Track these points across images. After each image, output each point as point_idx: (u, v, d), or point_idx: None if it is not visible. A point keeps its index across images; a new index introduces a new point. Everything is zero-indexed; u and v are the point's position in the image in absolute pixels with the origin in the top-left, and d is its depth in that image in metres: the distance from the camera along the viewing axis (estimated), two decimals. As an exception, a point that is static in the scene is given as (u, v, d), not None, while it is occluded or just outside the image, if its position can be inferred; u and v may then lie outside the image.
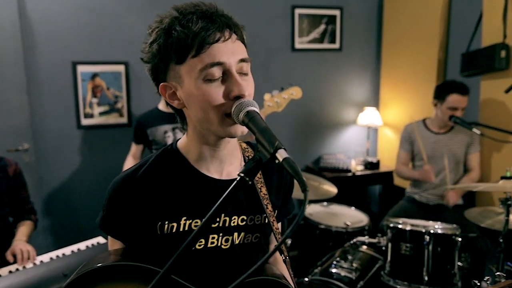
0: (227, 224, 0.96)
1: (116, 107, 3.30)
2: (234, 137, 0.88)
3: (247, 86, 0.86)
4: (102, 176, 3.22)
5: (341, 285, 2.09)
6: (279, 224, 1.11)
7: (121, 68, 3.26)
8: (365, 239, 2.28)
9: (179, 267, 0.90)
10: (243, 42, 0.89)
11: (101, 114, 3.28)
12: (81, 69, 3.16)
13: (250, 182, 0.73)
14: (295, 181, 0.72)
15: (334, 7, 3.76)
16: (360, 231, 2.63)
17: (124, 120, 3.32)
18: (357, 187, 3.86)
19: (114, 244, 0.97)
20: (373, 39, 3.96)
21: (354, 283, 2.14)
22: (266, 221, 1.01)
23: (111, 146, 3.30)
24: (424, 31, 3.40)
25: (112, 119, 3.30)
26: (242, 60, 0.86)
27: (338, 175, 3.53)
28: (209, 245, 0.94)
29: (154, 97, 2.75)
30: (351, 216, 2.86)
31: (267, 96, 2.42)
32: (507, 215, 1.89)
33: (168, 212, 0.92)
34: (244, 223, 0.98)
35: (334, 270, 2.23)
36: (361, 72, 3.96)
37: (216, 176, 0.96)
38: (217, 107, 0.83)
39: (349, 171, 3.61)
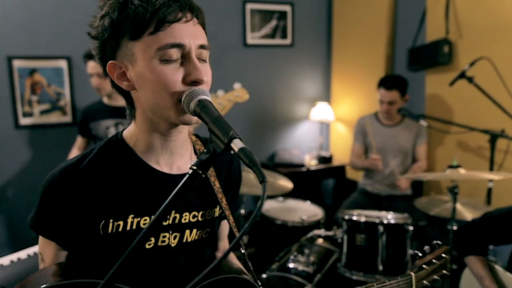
0: (177, 221, 0.90)
1: (58, 105, 3.09)
2: (189, 124, 0.82)
3: (206, 73, 0.81)
4: (43, 179, 3.01)
5: (299, 279, 2.09)
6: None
7: (63, 63, 3.06)
8: (321, 232, 2.29)
9: (127, 269, 0.83)
10: (204, 28, 0.84)
11: (42, 112, 3.06)
12: (17, 64, 2.93)
13: (203, 176, 0.68)
14: (253, 174, 0.68)
15: (285, 3, 3.76)
16: (315, 225, 2.64)
17: (67, 119, 3.12)
18: (312, 182, 3.90)
19: (46, 246, 0.87)
20: (323, 35, 4.01)
21: (312, 276, 2.14)
22: (217, 215, 0.97)
23: (54, 147, 3.09)
24: (372, 28, 3.49)
25: (54, 118, 3.09)
26: (202, 47, 0.81)
27: (293, 170, 3.54)
28: (159, 243, 0.88)
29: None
30: (306, 211, 2.87)
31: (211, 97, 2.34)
32: (454, 203, 1.97)
33: (113, 210, 0.84)
34: (195, 219, 0.93)
35: (291, 265, 2.23)
36: (313, 68, 4.00)
37: (166, 170, 0.89)
38: (172, 91, 0.77)
39: (304, 166, 3.64)
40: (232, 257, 1.11)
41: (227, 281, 0.90)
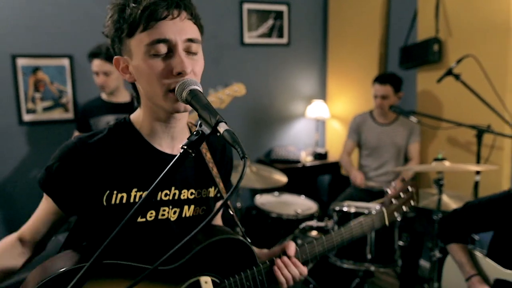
0: (176, 197, 0.99)
1: (60, 102, 3.19)
2: (178, 112, 0.91)
3: (194, 64, 0.89)
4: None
5: (292, 268, 2.17)
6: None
7: (65, 61, 3.15)
8: (314, 223, 2.38)
9: (126, 241, 0.92)
10: (195, 22, 0.92)
11: (45, 109, 3.15)
12: (21, 62, 3.02)
13: (193, 154, 0.76)
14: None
15: (281, 3, 3.85)
16: (309, 218, 2.73)
17: (69, 115, 3.21)
18: (307, 178, 3.99)
19: (46, 208, 0.97)
20: (319, 34, 4.10)
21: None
22: (212, 195, 1.06)
23: (56, 142, 3.13)
24: (366, 27, 3.58)
25: (57, 114, 3.18)
26: (190, 40, 0.89)
27: (289, 166, 3.63)
28: (159, 217, 0.97)
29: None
30: (301, 205, 2.96)
31: (210, 91, 2.44)
32: (440, 194, 2.06)
33: (118, 182, 0.94)
34: (193, 196, 1.02)
35: (285, 255, 2.31)
36: (309, 66, 4.09)
37: (168, 151, 0.99)
38: (161, 82, 0.86)
39: (299, 162, 3.73)
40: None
41: (220, 242, 1.00)
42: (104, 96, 2.72)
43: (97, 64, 2.54)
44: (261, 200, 3.02)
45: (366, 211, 2.14)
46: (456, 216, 1.75)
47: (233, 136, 0.71)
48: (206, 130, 0.75)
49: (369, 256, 2.13)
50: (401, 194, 1.22)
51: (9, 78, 3.01)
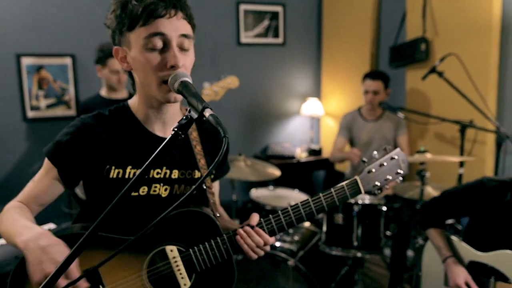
0: (167, 176, 1.11)
1: (63, 99, 3.31)
2: (169, 102, 1.03)
3: (186, 59, 1.01)
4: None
5: (284, 255, 2.29)
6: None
7: (67, 60, 3.27)
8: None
9: (120, 215, 1.04)
10: (189, 22, 1.04)
11: (48, 106, 3.27)
12: (25, 61, 3.14)
13: (183, 136, 0.88)
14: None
15: (277, 4, 3.97)
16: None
17: (72, 112, 3.34)
18: (302, 173, 4.11)
19: (47, 180, 1.08)
20: (314, 34, 4.22)
21: (295, 253, 2.35)
22: (197, 176, 1.16)
23: (59, 138, 3.30)
24: (358, 28, 3.70)
25: (60, 111, 3.31)
26: (184, 35, 1.00)
27: (284, 162, 3.75)
28: (151, 192, 1.09)
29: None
30: (294, 198, 3.07)
31: (205, 85, 2.55)
32: (423, 184, 2.18)
33: (115, 159, 1.06)
34: (183, 176, 1.14)
35: (278, 244, 2.43)
36: (304, 65, 4.21)
37: (159, 134, 1.11)
38: (156, 74, 0.98)
39: (294, 158, 3.85)
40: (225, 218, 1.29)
41: (185, 214, 1.08)
42: (103, 93, 2.83)
43: (117, 62, 2.62)
44: (257, 193, 3.14)
45: (352, 201, 2.27)
46: (434, 203, 1.87)
47: (216, 119, 0.83)
48: (194, 115, 0.86)
49: (355, 243, 2.25)
50: (384, 163, 1.13)
51: (14, 76, 3.13)
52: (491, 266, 1.64)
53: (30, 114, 3.21)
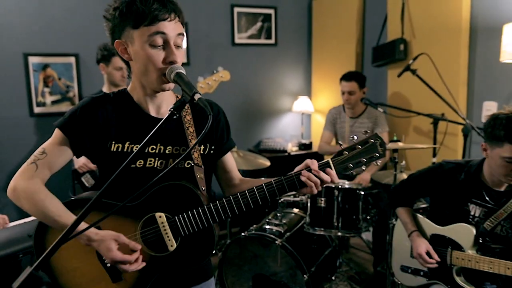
0: (161, 151, 1.30)
1: (67, 96, 3.54)
2: (164, 91, 1.25)
3: (180, 55, 1.23)
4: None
5: (272, 236, 2.52)
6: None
7: (71, 59, 3.50)
8: (290, 198, 2.74)
9: (120, 184, 1.22)
10: (182, 23, 1.26)
11: (53, 102, 3.50)
12: (32, 60, 3.37)
13: (177, 115, 1.10)
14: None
15: (269, 7, 4.21)
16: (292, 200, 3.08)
17: (76, 108, 3.56)
18: (294, 165, 4.28)
19: (58, 151, 1.24)
20: (304, 36, 4.47)
21: (283, 234, 2.58)
22: (192, 152, 1.37)
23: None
24: (345, 30, 3.94)
25: (64, 107, 3.53)
26: (180, 34, 1.22)
27: (276, 155, 3.99)
28: (147, 165, 1.28)
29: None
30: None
31: (200, 79, 2.77)
32: (395, 170, 2.42)
33: (117, 134, 1.26)
34: (177, 152, 1.33)
35: (267, 227, 2.66)
36: (295, 65, 4.46)
37: (154, 115, 1.31)
38: (157, 68, 1.19)
39: (286, 151, 4.09)
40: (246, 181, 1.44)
41: (172, 187, 1.26)
42: (105, 89, 3.05)
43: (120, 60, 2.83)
44: (249, 184, 3.37)
45: (333, 185, 2.51)
46: (402, 185, 2.11)
47: (204, 101, 1.06)
48: (187, 98, 1.10)
49: (336, 224, 2.49)
50: (358, 146, 1.19)
51: (22, 74, 3.36)
52: (448, 238, 1.88)
53: (37, 110, 3.44)
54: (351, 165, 1.20)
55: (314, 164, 1.21)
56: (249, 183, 1.40)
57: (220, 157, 1.44)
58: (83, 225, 1.00)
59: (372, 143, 1.20)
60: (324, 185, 1.22)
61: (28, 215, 2.36)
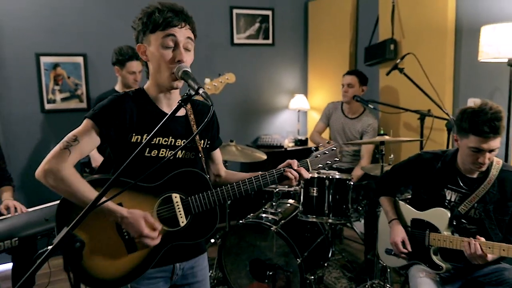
0: (172, 144, 1.49)
1: (76, 93, 3.74)
2: (173, 88, 1.44)
3: (188, 57, 1.43)
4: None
5: (268, 223, 2.71)
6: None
7: (80, 59, 3.70)
8: (285, 188, 2.93)
9: (139, 168, 1.42)
10: (192, 31, 1.46)
11: (63, 100, 3.70)
12: (44, 60, 3.57)
13: (184, 105, 1.29)
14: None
15: (266, 8, 4.40)
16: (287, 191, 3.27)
17: (83, 105, 3.76)
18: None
19: (89, 133, 1.37)
20: (301, 36, 4.66)
21: (278, 222, 2.77)
22: (196, 145, 1.57)
23: (72, 128, 3.66)
24: (339, 30, 4.13)
25: (73, 104, 3.73)
26: (189, 38, 1.43)
27: (273, 151, 4.18)
28: (159, 155, 1.47)
29: (111, 84, 3.26)
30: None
31: (207, 81, 2.98)
32: (382, 162, 2.62)
33: (137, 127, 1.44)
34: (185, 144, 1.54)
35: (263, 215, 2.85)
36: (291, 64, 4.65)
37: (167, 111, 1.50)
38: (167, 66, 1.39)
39: (282, 147, 4.28)
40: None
41: (187, 173, 1.48)
42: (117, 87, 3.23)
43: (136, 64, 3.03)
44: (247, 176, 3.57)
45: (325, 176, 2.70)
46: (385, 176, 2.30)
47: (207, 95, 1.26)
48: (192, 92, 1.29)
49: (327, 212, 2.68)
50: (326, 152, 1.60)
51: (34, 73, 3.56)
52: (427, 221, 2.07)
53: (47, 106, 3.64)
54: (321, 165, 1.59)
55: (294, 163, 1.54)
56: (234, 174, 1.72)
57: (212, 151, 1.68)
58: (108, 202, 1.22)
59: (335, 150, 1.61)
60: (309, 178, 1.59)
61: (41, 203, 2.55)
